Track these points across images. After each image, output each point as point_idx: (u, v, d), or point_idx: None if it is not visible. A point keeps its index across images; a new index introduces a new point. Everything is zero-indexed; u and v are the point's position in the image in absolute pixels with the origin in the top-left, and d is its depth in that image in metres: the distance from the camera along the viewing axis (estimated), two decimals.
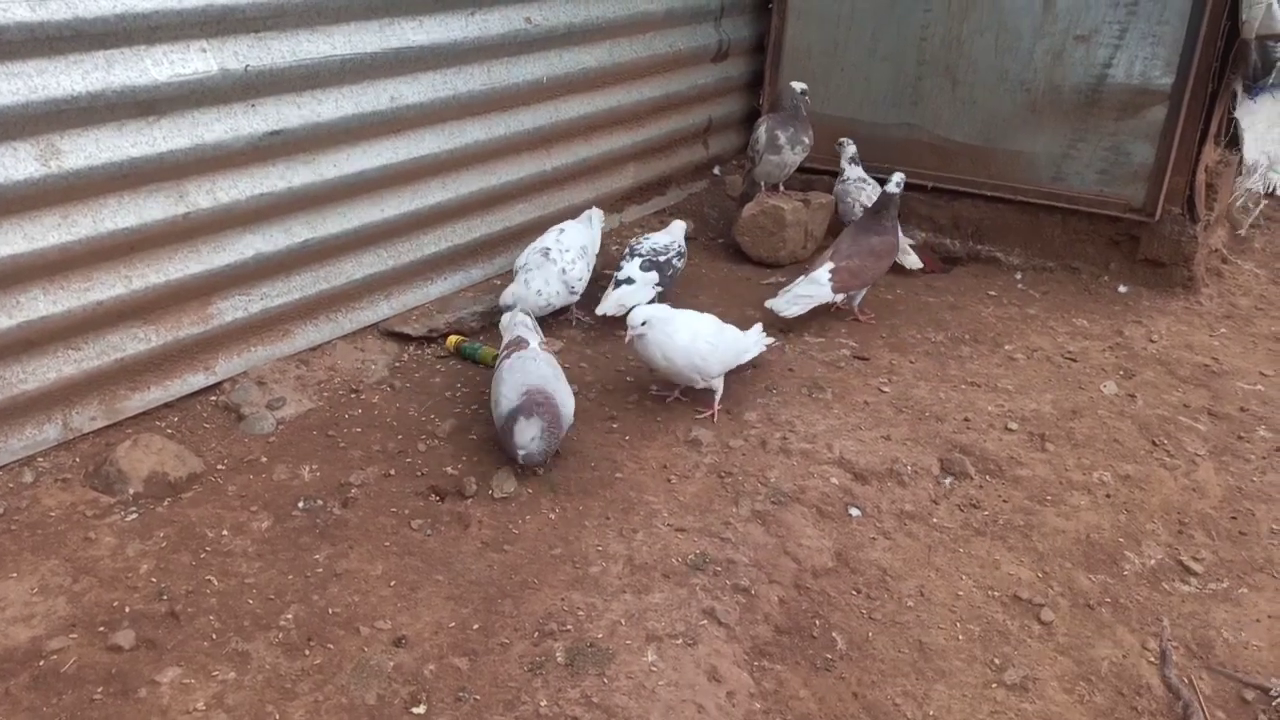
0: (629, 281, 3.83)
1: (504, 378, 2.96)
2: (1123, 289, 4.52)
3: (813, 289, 3.88)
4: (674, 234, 4.14)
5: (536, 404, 2.83)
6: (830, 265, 3.90)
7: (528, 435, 2.80)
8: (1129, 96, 4.39)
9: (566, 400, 2.98)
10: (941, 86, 4.81)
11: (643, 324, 3.15)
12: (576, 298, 3.90)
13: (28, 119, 2.67)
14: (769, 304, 3.90)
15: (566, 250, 3.79)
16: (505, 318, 3.43)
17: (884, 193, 4.07)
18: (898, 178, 4.03)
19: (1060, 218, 4.69)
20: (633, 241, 4.07)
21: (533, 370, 2.97)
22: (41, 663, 2.26)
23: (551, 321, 3.90)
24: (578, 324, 3.98)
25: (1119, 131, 4.46)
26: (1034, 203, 4.71)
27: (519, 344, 3.13)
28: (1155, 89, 4.33)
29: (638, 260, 3.90)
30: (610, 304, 3.81)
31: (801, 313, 3.88)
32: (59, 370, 2.91)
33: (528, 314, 3.41)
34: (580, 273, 3.84)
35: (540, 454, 2.86)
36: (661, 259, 3.94)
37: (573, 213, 4.63)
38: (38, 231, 2.76)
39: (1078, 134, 4.55)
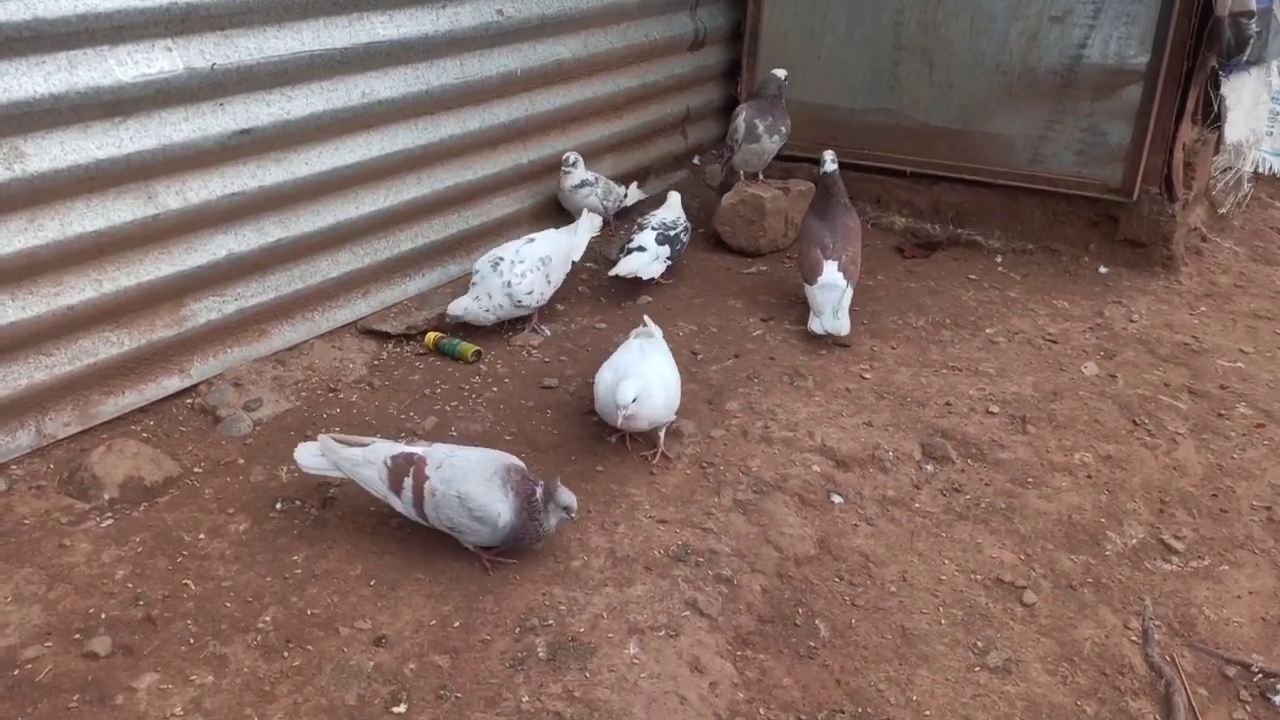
0: (641, 250, 4.07)
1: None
2: (1103, 269, 4.53)
3: (843, 294, 3.80)
4: (676, 209, 4.37)
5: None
6: (834, 263, 3.80)
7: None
8: (1104, 77, 4.39)
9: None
10: (918, 71, 4.80)
11: (633, 401, 2.89)
12: (527, 311, 3.76)
13: None
14: (830, 329, 3.76)
15: (520, 262, 3.65)
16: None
17: (823, 174, 3.99)
18: (829, 155, 4.01)
19: (1039, 200, 4.69)
20: (641, 217, 4.35)
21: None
22: (16, 672, 2.24)
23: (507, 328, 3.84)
24: (533, 331, 3.83)
25: (1095, 112, 4.46)
26: (1013, 185, 4.70)
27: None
28: (1130, 68, 4.33)
29: (651, 233, 4.13)
30: (627, 267, 4.01)
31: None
32: (30, 376, 2.87)
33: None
34: (530, 285, 3.66)
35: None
36: (672, 233, 4.19)
37: (552, 206, 4.62)
38: (4, 236, 2.73)
39: (1055, 115, 4.55)
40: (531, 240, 3.81)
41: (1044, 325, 4.04)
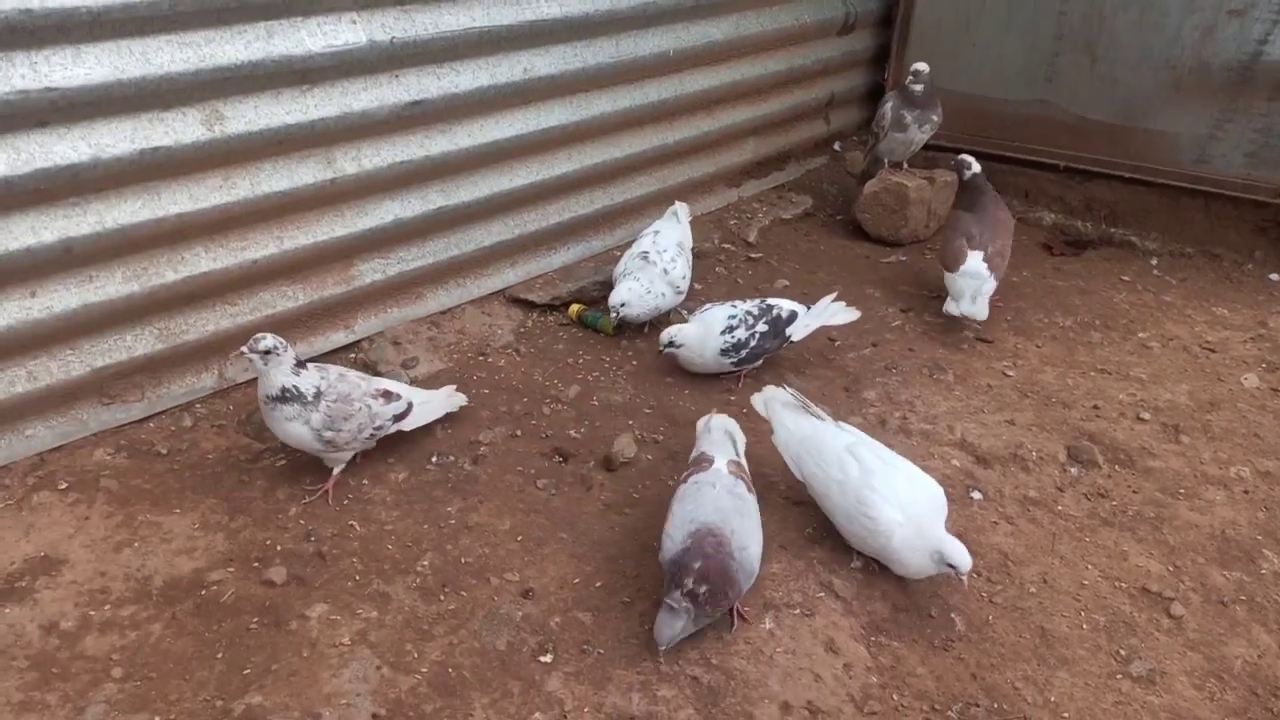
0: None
1: (673, 509, 2.47)
2: (1274, 277, 4.30)
3: (984, 284, 3.71)
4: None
5: (694, 571, 2.26)
6: (979, 253, 3.72)
7: (666, 634, 2.26)
8: None
9: (748, 542, 2.38)
10: (1079, 63, 4.63)
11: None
12: (683, 296, 3.77)
13: (196, 86, 2.85)
14: (967, 313, 3.69)
15: (664, 250, 3.68)
16: (701, 422, 2.85)
17: (973, 176, 3.87)
18: (967, 159, 3.87)
19: (1202, 201, 4.49)
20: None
21: (706, 500, 2.44)
22: (203, 592, 2.46)
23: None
24: (678, 312, 3.79)
25: (1272, 112, 4.23)
26: (1174, 185, 4.51)
27: (701, 464, 2.58)
28: None
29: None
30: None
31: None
32: (217, 324, 3.11)
33: (728, 424, 2.79)
34: (682, 270, 3.70)
35: (696, 626, 2.31)
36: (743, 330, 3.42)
37: (692, 187, 4.68)
38: (201, 192, 2.95)
39: (1225, 114, 4.33)
40: (656, 231, 3.81)
41: (1201, 332, 3.87)
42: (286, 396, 2.60)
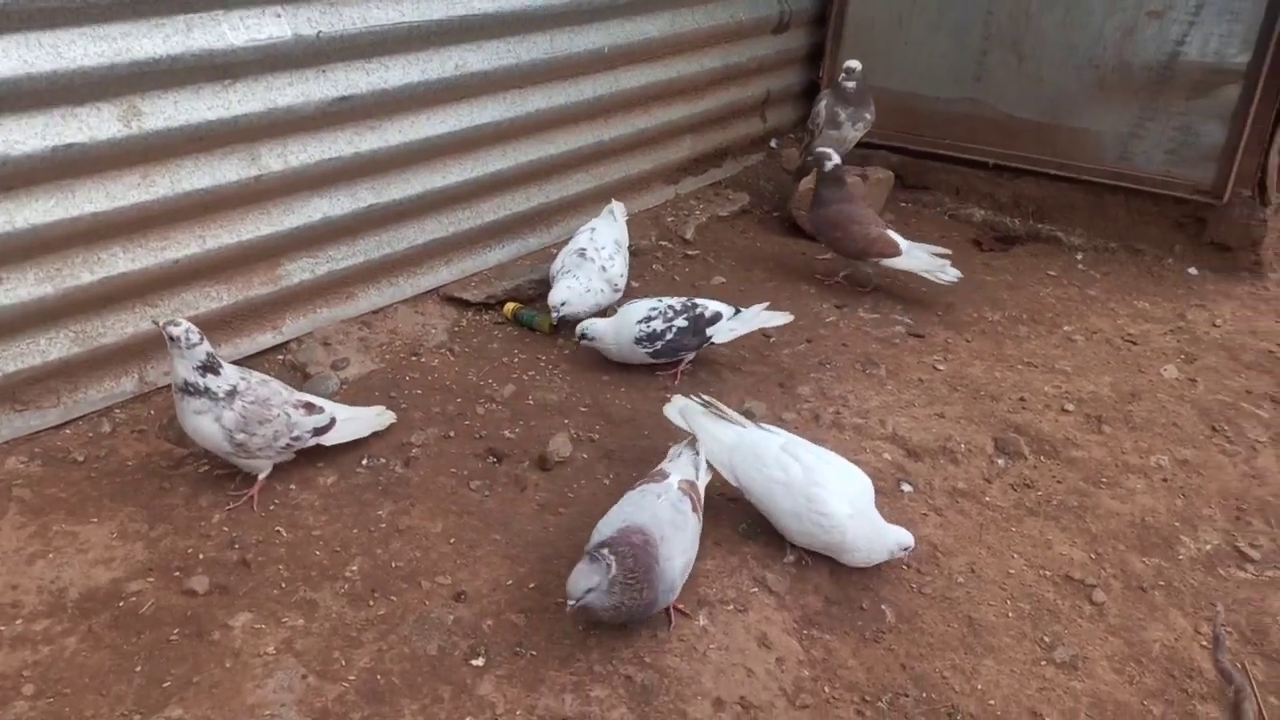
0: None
1: (612, 510, 2.45)
2: (1192, 271, 4.44)
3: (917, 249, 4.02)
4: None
5: (621, 547, 2.24)
6: (895, 232, 4.03)
7: (581, 584, 2.19)
8: (1202, 75, 4.29)
9: (675, 554, 2.34)
10: (1007, 62, 4.74)
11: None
12: (620, 294, 3.75)
13: (111, 81, 2.75)
14: (951, 276, 3.94)
15: (602, 247, 3.67)
16: (673, 449, 2.76)
17: (834, 167, 4.08)
18: (826, 151, 4.10)
19: (1125, 198, 4.62)
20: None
21: (648, 506, 2.42)
22: (121, 604, 2.38)
23: None
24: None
25: (1190, 111, 4.36)
26: (1098, 182, 4.64)
27: (655, 475, 2.57)
28: (1230, 67, 4.22)
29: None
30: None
31: None
32: (136, 325, 3.02)
33: (697, 451, 2.70)
34: (620, 267, 3.70)
35: (603, 610, 2.23)
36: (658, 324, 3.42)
37: (629, 184, 4.68)
38: (119, 190, 2.86)
39: (1146, 112, 4.46)
40: (593, 229, 3.80)
41: (1124, 325, 3.99)
42: (190, 390, 2.54)
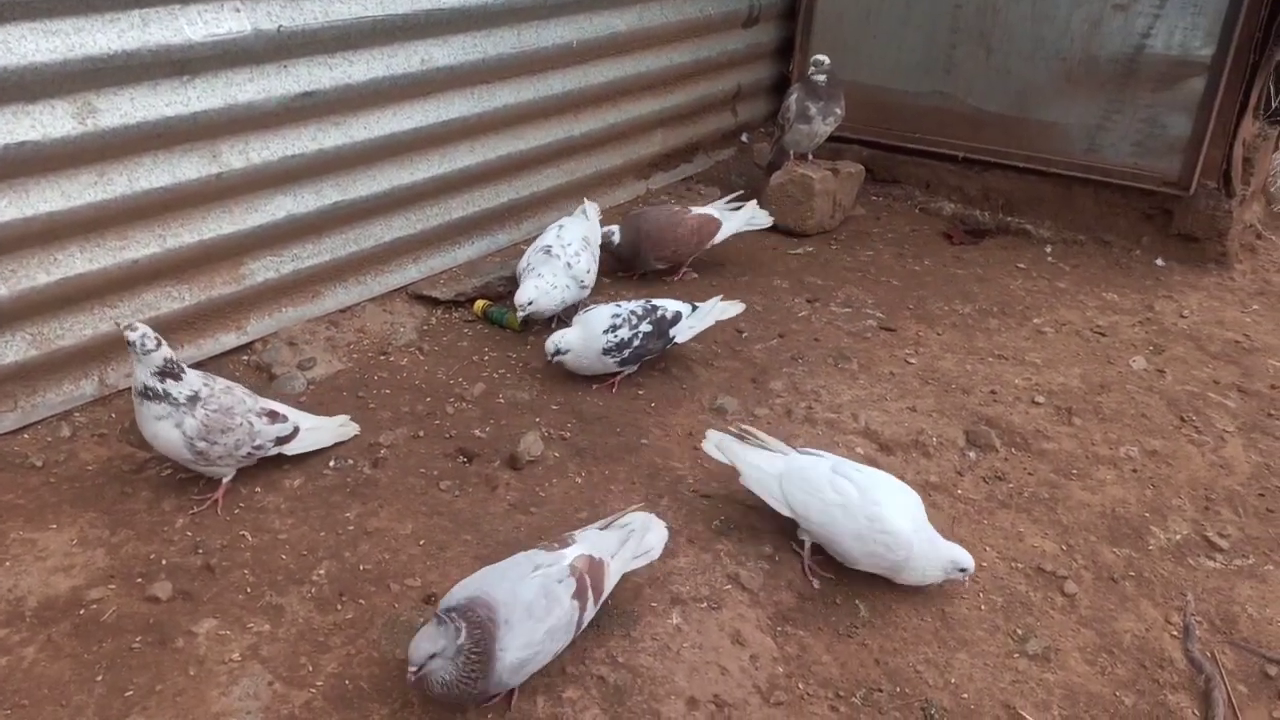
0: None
1: (480, 570, 2.20)
2: (1160, 262, 4.48)
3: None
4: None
5: (470, 615, 1.99)
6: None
7: (425, 647, 1.95)
8: (1167, 67, 4.32)
9: (513, 647, 2.01)
10: (975, 55, 4.75)
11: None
12: (588, 291, 3.72)
13: (65, 77, 2.69)
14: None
15: (568, 244, 3.63)
16: (632, 514, 2.49)
17: (618, 245, 4.00)
18: (611, 229, 4.00)
19: (1093, 190, 4.65)
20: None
21: (514, 579, 2.11)
22: (82, 611, 2.32)
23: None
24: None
25: (1156, 103, 4.40)
26: (1066, 175, 4.66)
27: (556, 543, 2.30)
28: (1195, 60, 4.25)
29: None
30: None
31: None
32: (95, 327, 2.95)
33: (651, 524, 2.47)
34: (587, 264, 3.66)
35: (440, 683, 1.96)
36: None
37: (600, 179, 4.65)
38: (74, 189, 2.79)
39: (1113, 105, 4.49)
40: (561, 226, 3.76)
41: (1093, 317, 4.01)
42: (150, 394, 2.49)
